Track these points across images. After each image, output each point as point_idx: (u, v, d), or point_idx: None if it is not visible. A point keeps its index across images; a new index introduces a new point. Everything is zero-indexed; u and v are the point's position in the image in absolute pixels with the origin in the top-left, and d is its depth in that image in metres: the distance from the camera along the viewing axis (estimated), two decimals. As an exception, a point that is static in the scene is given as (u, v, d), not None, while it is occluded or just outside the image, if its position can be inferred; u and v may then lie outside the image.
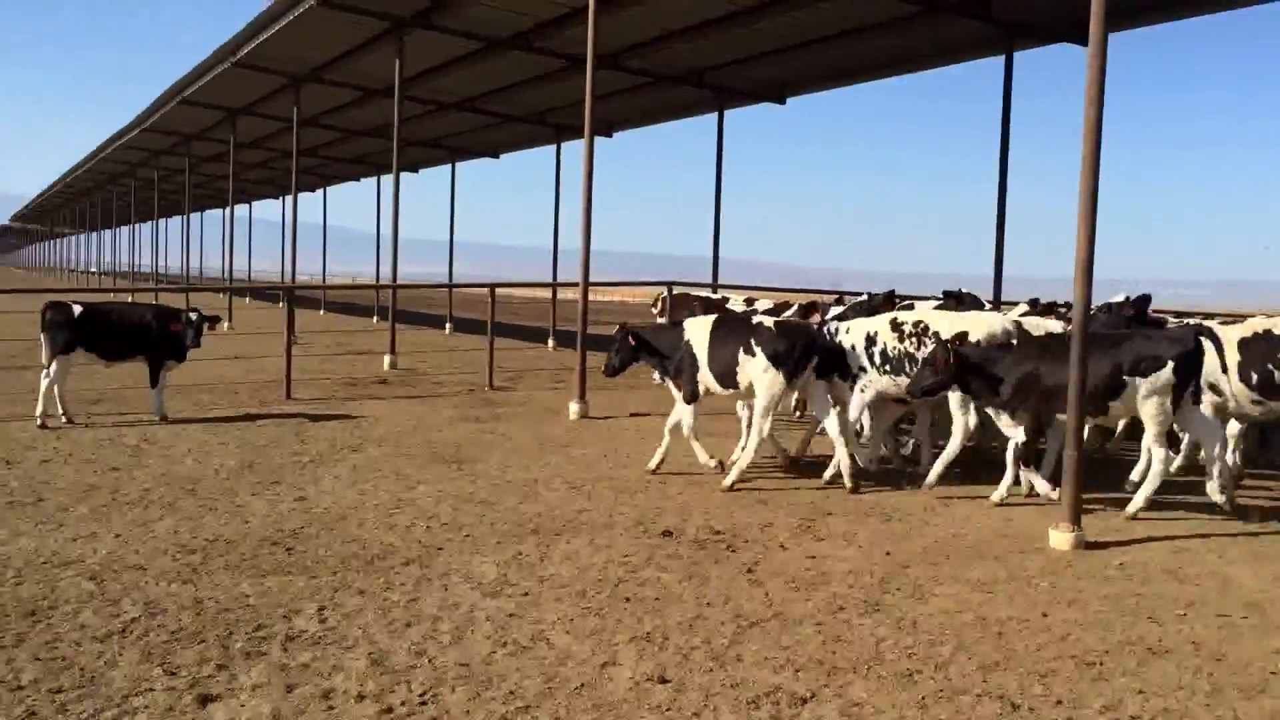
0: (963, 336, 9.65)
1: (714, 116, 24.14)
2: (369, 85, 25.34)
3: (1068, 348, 9.05)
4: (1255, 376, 9.38)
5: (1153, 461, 8.85)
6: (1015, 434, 9.16)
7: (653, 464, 10.52)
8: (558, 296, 30.37)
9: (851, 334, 10.24)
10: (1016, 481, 9.39)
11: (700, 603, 6.48)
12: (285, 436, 12.32)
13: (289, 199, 52.20)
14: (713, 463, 10.33)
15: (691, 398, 10.22)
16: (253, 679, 5.15)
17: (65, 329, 12.49)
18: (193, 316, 13.07)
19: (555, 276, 29.35)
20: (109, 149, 42.69)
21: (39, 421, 12.38)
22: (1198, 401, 8.91)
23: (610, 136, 29.52)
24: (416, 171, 40.90)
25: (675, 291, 17.78)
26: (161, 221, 58.44)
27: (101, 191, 63.70)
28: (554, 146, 29.84)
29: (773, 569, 7.26)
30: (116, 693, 4.95)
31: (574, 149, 30.16)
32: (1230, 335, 9.56)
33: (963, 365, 9.12)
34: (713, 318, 10.51)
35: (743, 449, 10.24)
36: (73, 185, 64.18)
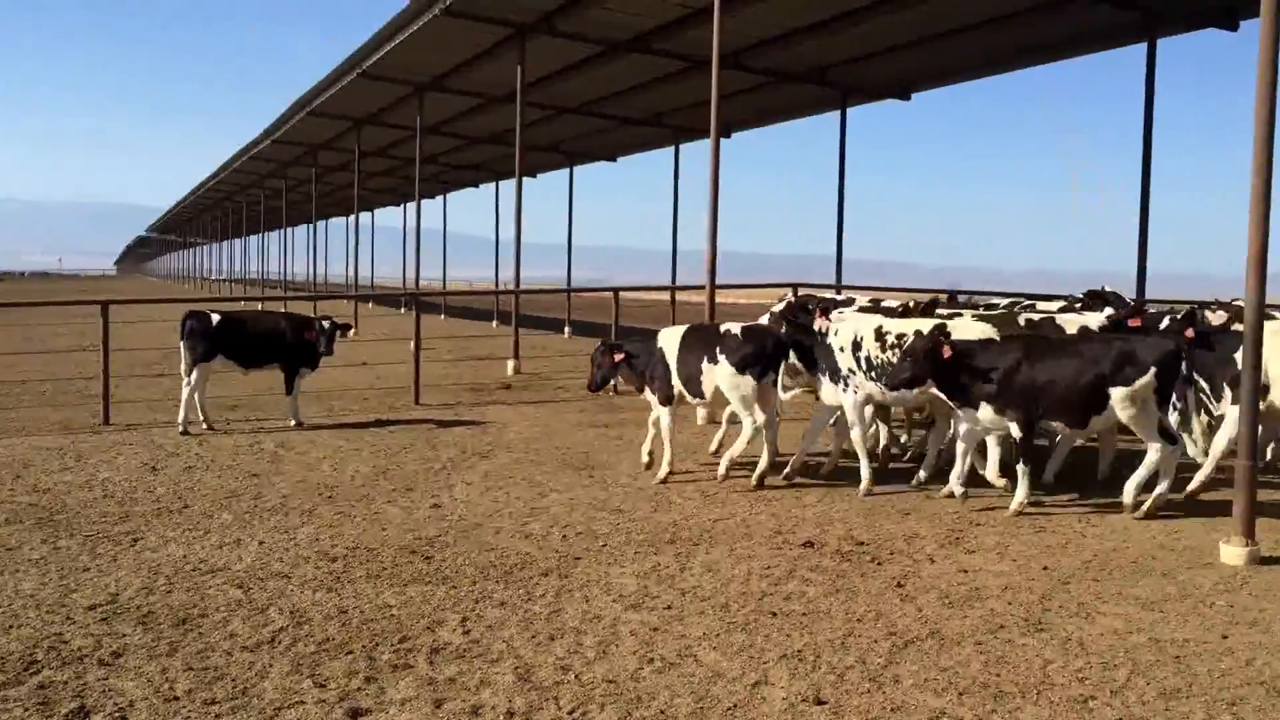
0: (941, 329, 9.17)
1: (836, 114, 23.74)
2: (490, 92, 25.58)
3: (1054, 349, 8.83)
4: None
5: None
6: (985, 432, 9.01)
7: (661, 475, 10.29)
8: (677, 299, 30.23)
9: (840, 336, 9.90)
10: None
11: (850, 619, 6.22)
12: (417, 442, 12.41)
13: (411, 206, 53.47)
14: (644, 459, 10.68)
15: (666, 400, 10.31)
16: (401, 693, 5.08)
17: (205, 337, 12.80)
18: (326, 324, 13.27)
19: (674, 279, 29.23)
20: (239, 161, 44.15)
21: (181, 428, 12.72)
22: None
23: (729, 137, 29.28)
24: (535, 177, 41.23)
25: (800, 293, 17.41)
26: (288, 229, 60.15)
27: (231, 202, 65.95)
28: (672, 148, 29.75)
29: (923, 583, 6.95)
30: (269, 705, 4.93)
31: (691, 150, 30.07)
32: None
33: (941, 358, 8.78)
34: (684, 328, 10.54)
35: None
36: (205, 197, 66.59)
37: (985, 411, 8.76)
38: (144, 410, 14.63)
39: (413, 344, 16.32)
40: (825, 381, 9.99)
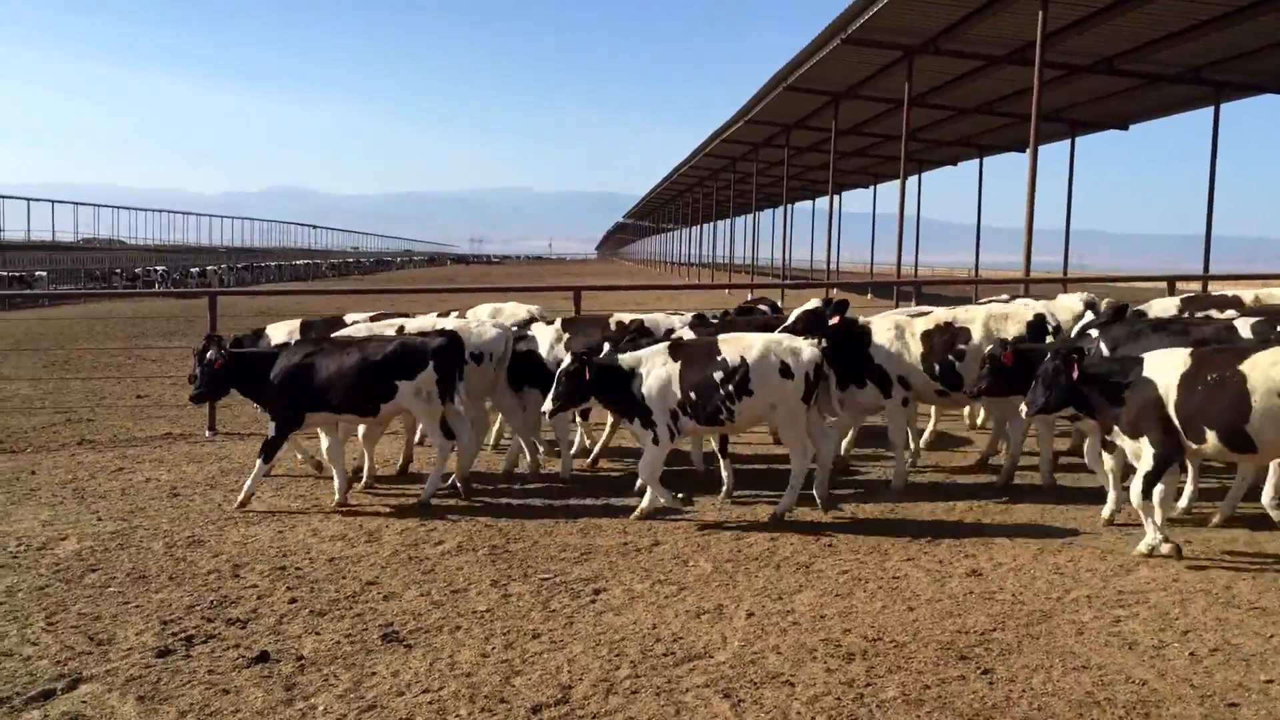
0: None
1: None
2: (991, 52, 22.49)
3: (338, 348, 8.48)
4: None
5: None
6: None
7: None
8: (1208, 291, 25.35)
9: None
10: None
11: None
12: (929, 466, 10.01)
13: (884, 187, 50.95)
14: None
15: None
16: None
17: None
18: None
19: (1207, 266, 24.49)
20: (712, 144, 43.91)
21: None
22: None
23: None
24: (1022, 151, 37.16)
25: None
26: (756, 214, 59.93)
27: (702, 187, 66.98)
28: (1209, 109, 24.88)
29: None
30: None
31: (1234, 111, 24.94)
32: None
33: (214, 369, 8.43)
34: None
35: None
36: (678, 183, 68.22)
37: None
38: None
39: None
40: None
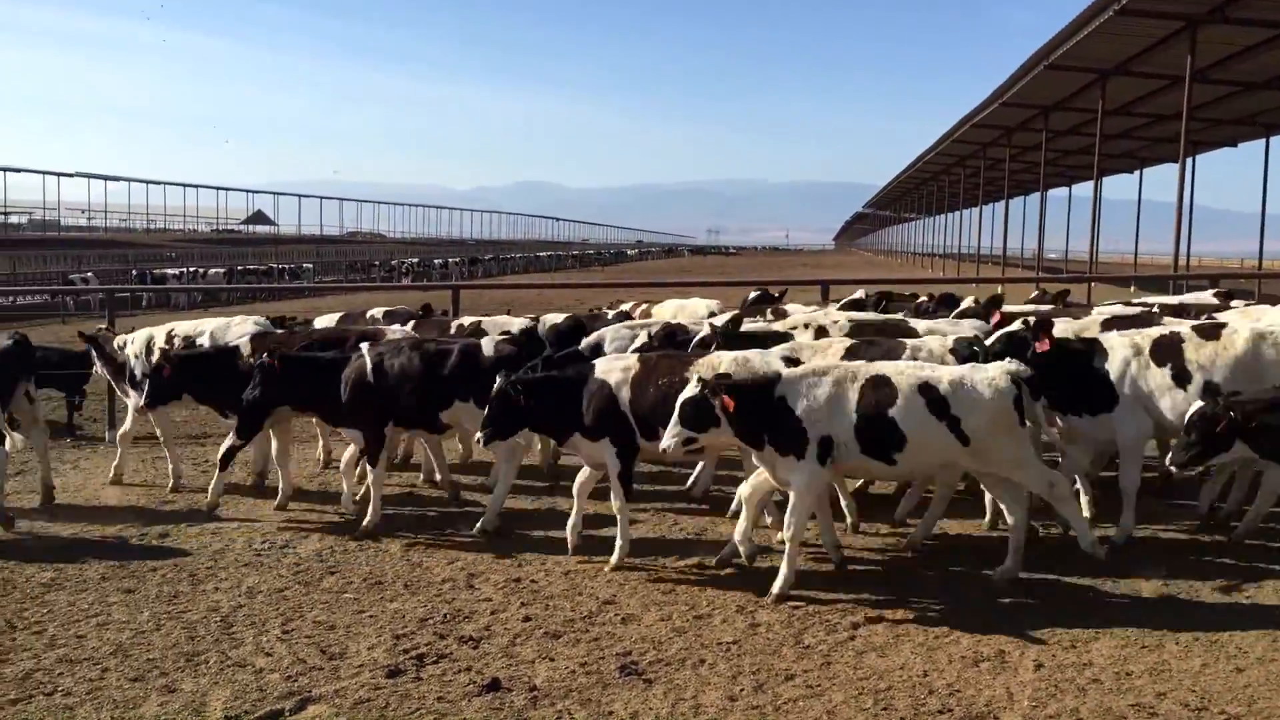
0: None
1: None
2: (1288, 18, 20.13)
3: None
4: None
5: None
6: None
7: None
8: None
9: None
10: None
11: None
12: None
13: (1146, 172, 47.23)
14: None
15: None
16: None
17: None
18: None
19: None
20: (960, 130, 41.85)
21: None
22: None
23: None
24: (1314, 129, 33.47)
25: None
26: (1006, 201, 56.80)
27: (949, 174, 64.28)
28: None
29: None
30: None
31: None
32: None
33: None
34: None
35: None
36: (922, 170, 65.73)
37: None
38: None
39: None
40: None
